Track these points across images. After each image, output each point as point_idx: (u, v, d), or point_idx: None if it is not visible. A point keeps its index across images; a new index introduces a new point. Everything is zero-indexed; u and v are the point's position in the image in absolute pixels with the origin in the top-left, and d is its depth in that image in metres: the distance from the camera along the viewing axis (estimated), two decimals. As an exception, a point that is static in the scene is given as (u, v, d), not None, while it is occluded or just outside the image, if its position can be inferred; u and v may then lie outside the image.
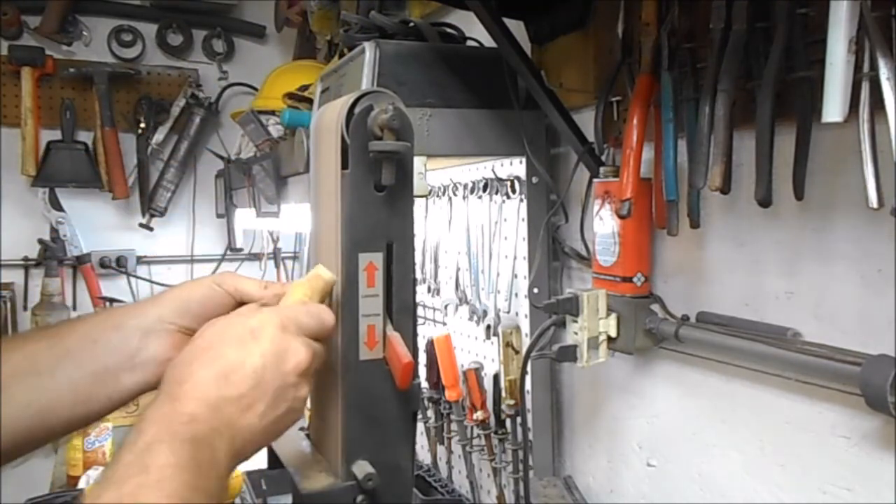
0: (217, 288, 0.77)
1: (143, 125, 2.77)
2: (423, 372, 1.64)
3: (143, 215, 2.80)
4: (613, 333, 1.11)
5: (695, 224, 1.01)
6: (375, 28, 1.28)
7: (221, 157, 2.65)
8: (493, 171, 1.45)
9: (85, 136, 2.74)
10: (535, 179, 1.33)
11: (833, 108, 0.71)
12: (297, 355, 0.68)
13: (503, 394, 1.41)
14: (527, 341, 1.36)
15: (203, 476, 0.57)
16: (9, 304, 2.63)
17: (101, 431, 2.05)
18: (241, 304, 0.77)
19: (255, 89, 2.52)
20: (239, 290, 0.77)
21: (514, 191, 1.40)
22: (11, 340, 0.76)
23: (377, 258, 0.78)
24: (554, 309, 1.13)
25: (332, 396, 0.80)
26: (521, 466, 1.34)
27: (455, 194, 1.61)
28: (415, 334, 0.82)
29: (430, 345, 1.61)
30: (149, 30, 2.84)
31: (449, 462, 1.73)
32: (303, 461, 0.82)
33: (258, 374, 0.65)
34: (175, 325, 0.75)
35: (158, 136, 2.79)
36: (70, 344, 0.74)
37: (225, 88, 2.90)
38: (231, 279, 0.78)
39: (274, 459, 0.85)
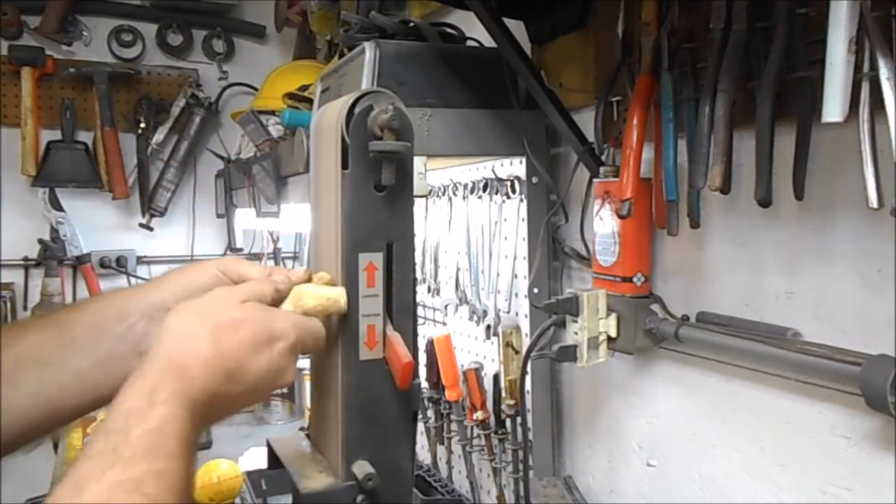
0: (221, 276, 0.77)
1: (143, 125, 2.78)
2: (423, 372, 1.64)
3: (143, 215, 2.81)
4: (613, 333, 1.11)
5: (695, 224, 1.01)
6: (375, 28, 1.28)
7: (221, 157, 2.65)
8: (493, 171, 1.45)
9: (85, 136, 2.74)
10: (535, 179, 1.33)
11: (833, 108, 0.71)
12: (289, 375, 0.71)
13: (503, 394, 1.41)
14: (527, 341, 1.36)
15: (192, 462, 0.60)
16: (9, 304, 2.64)
17: (101, 431, 2.05)
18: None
19: (255, 89, 2.52)
20: (242, 276, 0.77)
21: (514, 191, 1.40)
22: (11, 330, 0.76)
23: (377, 258, 0.78)
24: (554, 309, 1.13)
25: (332, 396, 0.80)
26: (521, 466, 1.34)
27: (455, 194, 1.61)
28: (415, 334, 0.82)
29: (430, 345, 1.61)
30: (149, 30, 2.84)
31: (449, 462, 1.73)
32: (303, 461, 0.82)
33: (255, 383, 0.68)
34: None
35: (158, 136, 2.80)
36: (75, 333, 0.75)
37: (225, 88, 2.91)
38: (235, 266, 0.79)
39: (274, 459, 0.85)
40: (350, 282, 0.77)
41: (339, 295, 0.76)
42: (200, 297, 0.71)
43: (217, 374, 0.64)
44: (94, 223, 2.78)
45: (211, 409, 0.64)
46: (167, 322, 0.68)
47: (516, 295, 1.43)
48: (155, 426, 0.57)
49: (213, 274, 0.78)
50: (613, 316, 1.10)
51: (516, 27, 1.29)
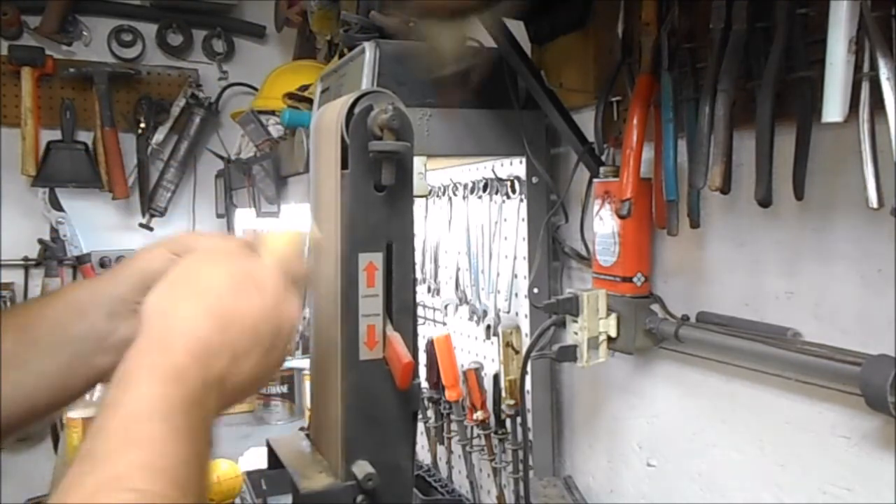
0: (175, 258, 0.71)
1: (143, 125, 2.77)
2: (423, 372, 1.64)
3: (143, 215, 2.80)
4: (613, 333, 1.11)
5: (695, 224, 1.01)
6: (375, 28, 1.28)
7: (221, 157, 2.65)
8: (493, 171, 1.45)
9: (85, 136, 2.74)
10: (535, 179, 1.33)
11: (833, 108, 0.71)
12: (292, 308, 0.65)
13: (503, 394, 1.41)
14: (527, 341, 1.36)
15: (194, 441, 0.53)
16: (9, 304, 2.63)
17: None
18: None
19: (255, 89, 2.52)
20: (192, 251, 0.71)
21: (514, 191, 1.40)
22: None
23: (377, 258, 0.78)
24: (554, 309, 1.13)
25: (332, 396, 0.80)
26: (521, 466, 1.34)
27: (455, 194, 1.61)
28: (415, 334, 0.83)
29: (430, 345, 1.61)
30: (149, 30, 2.84)
31: (449, 462, 1.73)
32: (303, 461, 0.83)
33: (257, 326, 0.62)
34: (139, 303, 0.67)
35: (158, 136, 2.80)
36: (37, 335, 0.71)
37: (225, 88, 2.90)
38: (190, 242, 0.73)
39: (274, 459, 0.85)
40: (350, 282, 0.77)
41: (312, 229, 0.73)
42: (250, 266, 0.65)
43: (205, 330, 0.59)
44: (94, 223, 2.77)
45: (213, 368, 0.57)
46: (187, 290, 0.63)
47: (516, 295, 1.43)
48: (129, 411, 0.51)
49: (167, 258, 0.71)
50: (613, 316, 1.10)
51: (516, 27, 1.29)
